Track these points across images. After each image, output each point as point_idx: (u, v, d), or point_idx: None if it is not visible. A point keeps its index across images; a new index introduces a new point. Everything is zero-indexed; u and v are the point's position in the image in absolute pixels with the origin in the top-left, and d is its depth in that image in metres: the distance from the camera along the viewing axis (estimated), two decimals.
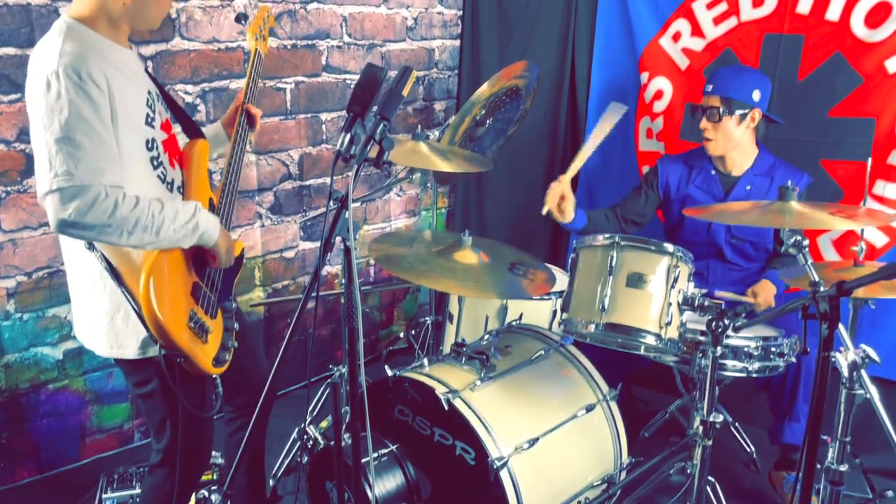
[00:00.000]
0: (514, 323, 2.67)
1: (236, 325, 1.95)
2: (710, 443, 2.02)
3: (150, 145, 1.75)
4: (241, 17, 2.18)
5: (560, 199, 2.67)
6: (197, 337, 1.76)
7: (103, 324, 1.78)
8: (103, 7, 1.69)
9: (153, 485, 2.00)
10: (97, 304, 1.78)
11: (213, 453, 2.52)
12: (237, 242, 2.00)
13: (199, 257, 1.82)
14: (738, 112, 2.65)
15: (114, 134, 1.63)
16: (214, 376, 1.88)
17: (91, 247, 1.71)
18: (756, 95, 2.66)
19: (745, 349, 2.18)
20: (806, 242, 2.05)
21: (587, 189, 3.72)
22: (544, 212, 2.66)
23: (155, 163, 1.77)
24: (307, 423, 2.71)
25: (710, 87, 2.70)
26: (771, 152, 2.82)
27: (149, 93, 1.78)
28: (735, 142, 2.70)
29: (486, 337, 2.49)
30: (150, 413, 1.92)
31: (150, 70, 1.87)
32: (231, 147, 2.02)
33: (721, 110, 2.64)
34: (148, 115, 1.74)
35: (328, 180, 3.35)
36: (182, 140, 1.93)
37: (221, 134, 2.16)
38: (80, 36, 1.64)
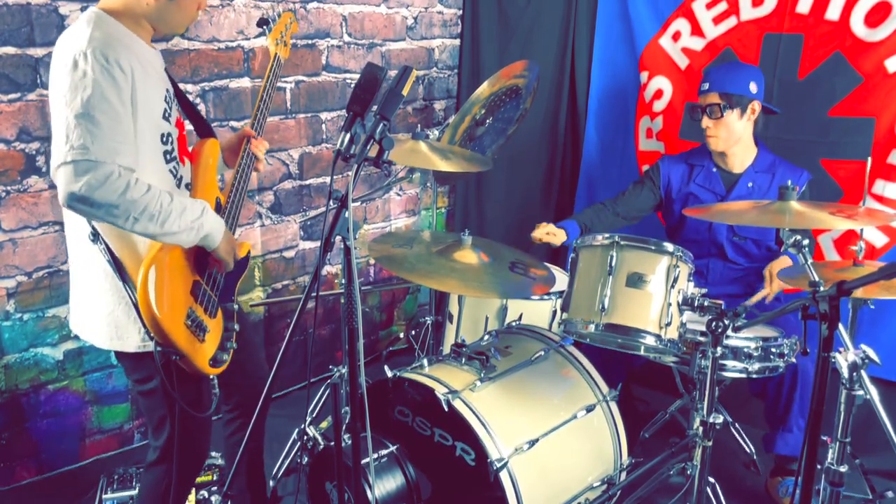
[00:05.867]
0: (513, 323, 2.67)
1: (237, 327, 1.95)
2: (710, 443, 2.01)
3: (164, 139, 1.77)
4: (262, 23, 2.19)
5: (546, 235, 2.79)
6: (194, 336, 1.75)
7: (104, 315, 1.78)
8: (129, 5, 1.73)
9: (150, 482, 1.99)
10: (100, 296, 1.78)
11: (213, 454, 2.52)
12: (244, 244, 2.00)
13: (201, 256, 1.83)
14: (738, 106, 2.66)
15: (132, 120, 1.64)
16: (212, 377, 1.87)
17: (95, 238, 1.71)
18: (753, 87, 2.68)
19: (745, 350, 2.18)
20: (806, 242, 2.05)
21: (587, 189, 3.72)
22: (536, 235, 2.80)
23: (168, 157, 1.79)
24: (307, 423, 2.70)
25: (706, 86, 2.71)
26: (770, 150, 2.82)
27: (167, 90, 1.81)
28: (737, 136, 2.71)
29: (486, 337, 2.48)
30: (151, 410, 1.92)
31: (167, 69, 1.89)
32: (241, 151, 2.02)
33: (722, 106, 2.65)
34: (165, 111, 1.77)
35: (328, 180, 3.35)
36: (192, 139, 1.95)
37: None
38: (108, 25, 1.67)
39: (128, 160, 1.60)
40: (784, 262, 2.60)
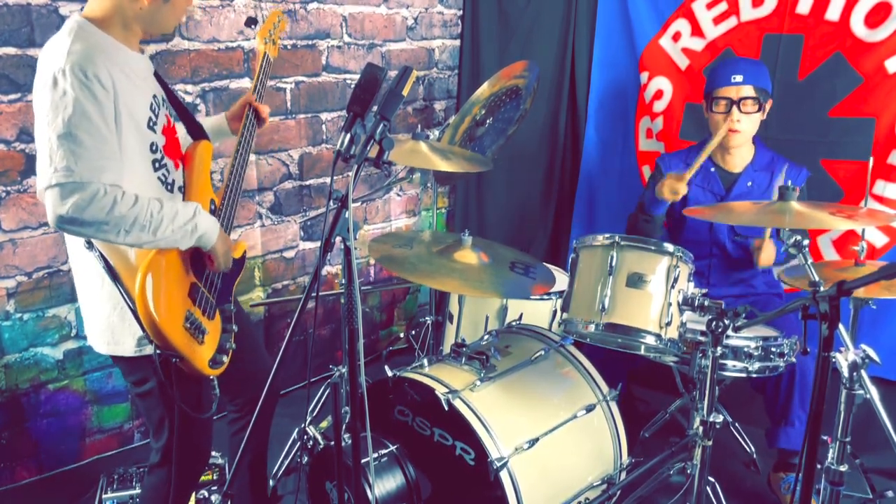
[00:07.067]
0: (514, 323, 2.67)
1: (235, 328, 1.95)
2: (710, 443, 2.01)
3: (153, 148, 1.76)
4: (251, 22, 2.19)
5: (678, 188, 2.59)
6: (193, 338, 1.75)
7: (101, 321, 1.79)
8: (118, 9, 1.71)
9: (153, 484, 1.99)
10: (96, 302, 1.79)
11: (213, 453, 2.52)
12: (239, 244, 2.00)
13: (197, 258, 1.82)
14: (765, 102, 2.65)
15: (116, 134, 1.63)
16: (212, 378, 1.87)
17: (90, 246, 1.71)
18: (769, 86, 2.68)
19: (745, 349, 2.18)
20: (806, 242, 2.06)
21: (587, 189, 3.72)
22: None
23: (157, 165, 1.78)
24: (307, 423, 2.71)
25: (739, 77, 2.59)
26: (768, 147, 2.81)
27: (154, 97, 1.79)
28: (752, 134, 2.70)
29: (486, 337, 2.48)
30: (149, 412, 1.92)
31: (157, 72, 1.88)
32: (235, 148, 2.01)
33: (757, 100, 2.61)
34: (150, 119, 1.75)
35: (328, 180, 3.35)
36: (184, 141, 1.94)
37: (224, 127, 2.16)
38: (89, 36, 1.65)
39: (113, 176, 1.59)
40: (769, 247, 2.61)
